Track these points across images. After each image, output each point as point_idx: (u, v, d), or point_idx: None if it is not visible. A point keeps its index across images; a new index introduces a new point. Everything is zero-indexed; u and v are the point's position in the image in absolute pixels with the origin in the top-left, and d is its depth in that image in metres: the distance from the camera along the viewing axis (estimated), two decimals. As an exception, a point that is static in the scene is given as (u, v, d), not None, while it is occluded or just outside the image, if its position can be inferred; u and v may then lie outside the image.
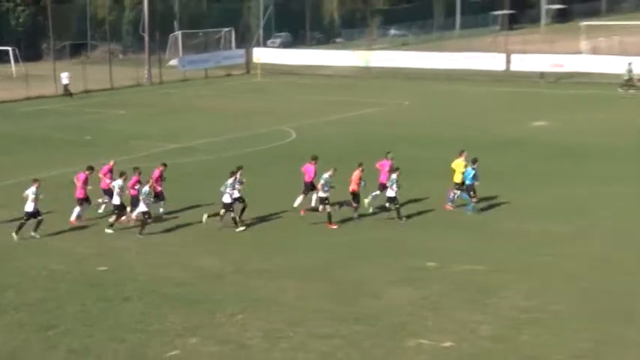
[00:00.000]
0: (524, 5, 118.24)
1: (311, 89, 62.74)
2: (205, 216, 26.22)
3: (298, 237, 25.42)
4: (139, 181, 26.20)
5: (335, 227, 26.08)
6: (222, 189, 25.73)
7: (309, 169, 27.77)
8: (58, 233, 25.97)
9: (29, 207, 25.26)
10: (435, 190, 28.89)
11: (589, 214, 27.09)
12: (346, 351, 17.11)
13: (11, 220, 26.32)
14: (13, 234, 25.26)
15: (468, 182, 27.18)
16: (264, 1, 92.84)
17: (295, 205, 27.59)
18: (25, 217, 25.41)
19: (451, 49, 77.12)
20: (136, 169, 26.82)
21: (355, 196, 26.79)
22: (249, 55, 78.23)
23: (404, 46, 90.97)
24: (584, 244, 24.11)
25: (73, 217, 26.83)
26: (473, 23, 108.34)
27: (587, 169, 33.22)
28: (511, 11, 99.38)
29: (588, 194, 29.38)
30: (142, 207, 25.48)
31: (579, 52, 70.68)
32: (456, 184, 27.75)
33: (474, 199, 27.21)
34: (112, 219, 26.14)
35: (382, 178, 27.39)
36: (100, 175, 27.58)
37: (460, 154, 28.06)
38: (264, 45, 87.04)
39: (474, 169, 27.12)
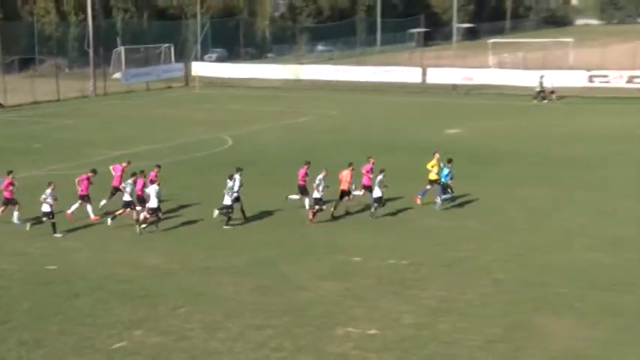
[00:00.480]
0: (437, 24, 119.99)
1: (246, 100, 62.44)
2: (216, 211, 25.84)
3: (238, 236, 25.16)
4: (148, 182, 25.93)
5: (312, 226, 25.73)
6: (224, 191, 25.44)
7: (301, 173, 27.42)
8: (13, 234, 25.29)
9: (45, 208, 24.85)
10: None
11: (502, 212, 27.40)
12: (279, 340, 16.98)
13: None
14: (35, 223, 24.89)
15: (443, 180, 27.55)
16: (202, 19, 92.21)
17: (291, 197, 27.44)
18: (42, 217, 25.07)
19: (373, 64, 77.75)
20: (142, 172, 26.57)
21: (345, 193, 26.82)
22: (187, 69, 77.54)
23: (330, 60, 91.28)
24: (498, 239, 24.36)
25: (69, 210, 26.33)
26: (392, 40, 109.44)
27: (498, 172, 33.67)
28: (426, 29, 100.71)
29: (500, 195, 29.75)
30: (152, 203, 25.10)
31: (487, 66, 71.84)
32: (431, 181, 28.16)
33: (450, 194, 27.54)
34: (118, 212, 25.85)
35: (365, 181, 27.30)
36: (117, 174, 27.57)
37: (434, 155, 28.45)
38: (202, 59, 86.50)
39: (448, 168, 27.51)
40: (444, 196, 27.63)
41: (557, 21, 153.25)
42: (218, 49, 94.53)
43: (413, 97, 61.57)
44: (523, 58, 74.32)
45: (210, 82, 72.98)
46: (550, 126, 46.05)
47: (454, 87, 64.34)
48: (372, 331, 17.41)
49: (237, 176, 25.81)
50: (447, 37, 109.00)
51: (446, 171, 27.54)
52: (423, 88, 66.16)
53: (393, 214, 27.25)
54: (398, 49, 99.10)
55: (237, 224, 26.04)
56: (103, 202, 27.66)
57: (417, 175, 30.61)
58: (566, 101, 56.27)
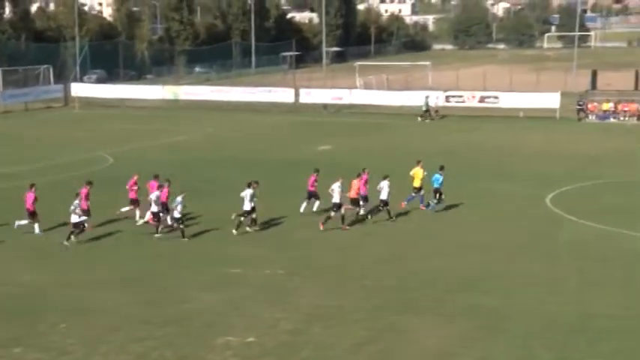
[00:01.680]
0: (308, 48, 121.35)
1: (126, 119, 61.01)
2: (235, 214, 26.13)
3: (120, 249, 24.54)
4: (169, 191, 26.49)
5: (347, 229, 26.42)
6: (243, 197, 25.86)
7: (310, 179, 28.16)
8: None
9: (74, 218, 24.78)
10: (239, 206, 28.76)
11: (368, 223, 27.79)
12: (160, 351, 16.63)
13: None
14: (65, 242, 24.62)
15: (436, 186, 28.24)
16: (80, 41, 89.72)
17: (301, 210, 28.08)
18: (72, 227, 24.89)
19: (248, 84, 77.69)
20: (167, 180, 27.07)
21: (354, 201, 27.22)
22: (67, 90, 75.01)
23: (207, 81, 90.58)
24: (365, 248, 24.77)
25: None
26: (266, 63, 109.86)
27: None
28: (297, 53, 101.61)
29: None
30: (175, 214, 25.42)
31: (355, 87, 73.11)
32: (415, 188, 28.66)
33: (442, 200, 28.42)
34: (157, 226, 26.02)
35: (363, 190, 27.68)
36: (127, 187, 27.81)
37: (418, 163, 28.97)
38: (81, 80, 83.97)
39: (441, 175, 28.24)
40: (434, 202, 28.55)
41: (417, 46, 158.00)
42: (97, 71, 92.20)
43: (287, 116, 61.90)
44: (387, 79, 76.09)
45: (89, 103, 70.96)
46: (413, 142, 47.24)
47: (325, 106, 65.13)
48: (251, 339, 17.31)
49: (249, 190, 25.96)
50: (317, 60, 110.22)
51: (439, 178, 28.27)
52: (296, 108, 66.62)
53: (270, 226, 27.23)
54: (272, 71, 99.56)
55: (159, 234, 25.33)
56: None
57: (291, 189, 30.77)
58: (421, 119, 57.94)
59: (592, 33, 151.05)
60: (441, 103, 62.00)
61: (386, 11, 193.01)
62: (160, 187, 26.50)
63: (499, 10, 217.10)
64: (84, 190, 26.38)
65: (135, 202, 27.86)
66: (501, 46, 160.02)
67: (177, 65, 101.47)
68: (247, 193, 25.97)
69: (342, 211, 26.70)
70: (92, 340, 17.15)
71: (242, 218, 26.13)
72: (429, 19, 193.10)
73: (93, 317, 18.57)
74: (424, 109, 57.79)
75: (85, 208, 25.78)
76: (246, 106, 67.67)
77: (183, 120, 60.30)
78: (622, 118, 54.61)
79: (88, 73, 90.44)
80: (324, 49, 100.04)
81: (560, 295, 19.96)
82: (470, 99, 61.86)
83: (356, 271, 22.28)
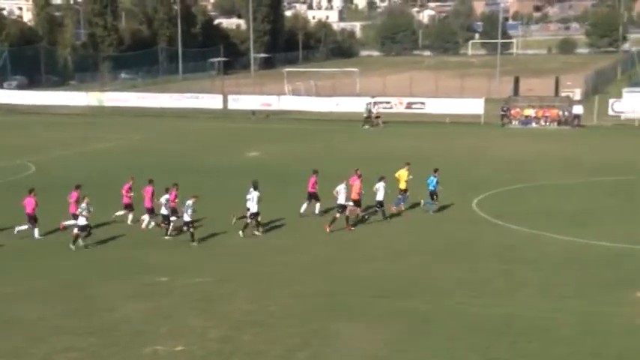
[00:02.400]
0: (236, 54, 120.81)
1: (50, 127, 59.61)
2: (235, 218, 26.92)
3: (41, 260, 23.94)
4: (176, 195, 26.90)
5: (353, 229, 27.10)
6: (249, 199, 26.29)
7: (311, 181, 28.86)
8: None
9: (82, 221, 24.88)
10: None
11: (299, 229, 27.88)
12: (88, 362, 16.31)
13: None
14: (71, 245, 24.84)
15: (431, 188, 29.08)
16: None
17: (301, 211, 28.72)
18: (79, 230, 25.05)
19: (176, 91, 76.94)
20: (175, 184, 27.30)
21: (356, 202, 27.76)
22: (-14, 97, 72.93)
23: (134, 87, 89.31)
24: (296, 254, 24.80)
25: (66, 223, 26.96)
26: (194, 69, 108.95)
27: (296, 190, 34.08)
28: (225, 59, 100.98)
29: (297, 212, 30.13)
30: (185, 217, 25.57)
31: (284, 94, 73.21)
32: (401, 190, 29.32)
33: (436, 202, 29.29)
34: (167, 229, 26.44)
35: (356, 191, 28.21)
36: (123, 192, 28.00)
37: (405, 166, 29.72)
38: (1, 87, 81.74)
39: (435, 177, 29.05)
40: (427, 201, 29.45)
41: (344, 52, 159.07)
42: (18, 77, 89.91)
43: (215, 123, 61.51)
44: (315, 85, 76.44)
45: (10, 110, 69.13)
46: (342, 147, 47.55)
47: (253, 112, 65.01)
48: (179, 348, 17.12)
49: (256, 192, 26.26)
50: (246, 66, 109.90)
51: (434, 180, 29.09)
52: (225, 114, 66.30)
53: (199, 233, 26.98)
54: (200, 77, 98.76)
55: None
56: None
57: (219, 196, 30.56)
58: (356, 125, 58.36)
59: (514, 40, 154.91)
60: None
61: (313, 18, 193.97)
62: (167, 190, 26.85)
63: (424, 17, 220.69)
64: (74, 194, 26.53)
65: (128, 207, 28.11)
66: (427, 52, 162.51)
67: (101, 71, 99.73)
68: (254, 195, 26.19)
69: (347, 212, 27.29)
70: (13, 353, 16.69)
71: (249, 220, 26.49)
72: (356, 26, 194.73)
73: (14, 329, 18.09)
74: (365, 115, 58.28)
75: (75, 212, 26.10)
76: (173, 112, 66.99)
77: (109, 127, 59.31)
78: (543, 124, 56.14)
79: (8, 80, 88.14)
80: (252, 55, 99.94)
81: (485, 298, 20.37)
82: (397, 105, 62.68)
83: (287, 277, 22.29)
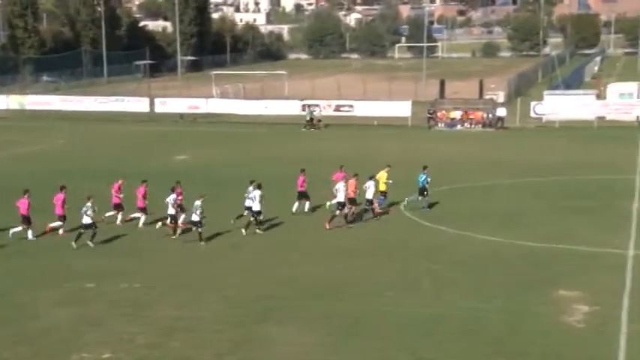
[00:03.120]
0: (162, 56, 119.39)
1: (-33, 131, 57.72)
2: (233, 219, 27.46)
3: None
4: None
5: (352, 226, 27.84)
6: (249, 198, 27.04)
7: (299, 180, 29.41)
8: None
9: (86, 220, 25.16)
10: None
11: (232, 234, 27.68)
12: (11, 373, 15.86)
13: None
14: (72, 243, 25.13)
15: (421, 185, 30.00)
16: None
17: (293, 210, 29.39)
18: (82, 229, 25.39)
19: (101, 94, 75.56)
20: (178, 182, 27.76)
21: (352, 201, 28.26)
22: None
23: (56, 90, 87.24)
24: (230, 258, 24.65)
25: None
26: (119, 71, 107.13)
27: (227, 195, 33.78)
28: (151, 61, 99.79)
29: (228, 216, 29.92)
30: (194, 217, 25.73)
31: (212, 96, 72.69)
32: (381, 191, 29.76)
33: (428, 198, 30.22)
34: (174, 229, 26.68)
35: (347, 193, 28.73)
36: (112, 192, 28.32)
37: (386, 168, 30.50)
38: None
39: (425, 174, 30.04)
40: (410, 198, 30.35)
41: (272, 55, 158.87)
42: None
43: (142, 126, 60.61)
44: (243, 88, 76.18)
45: None
46: (271, 150, 47.47)
47: (181, 116, 64.35)
48: (106, 355, 16.83)
49: (258, 191, 26.86)
50: (173, 69, 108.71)
51: (423, 177, 29.95)
52: (152, 117, 65.41)
53: (127, 237, 26.56)
54: (125, 80, 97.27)
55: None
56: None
57: (150, 200, 30.06)
58: (285, 128, 58.38)
59: (439, 44, 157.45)
60: (298, 111, 62.77)
61: (241, 20, 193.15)
62: (173, 189, 27.10)
63: (351, 20, 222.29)
64: (60, 196, 26.69)
65: (118, 207, 28.40)
66: (355, 55, 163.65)
67: (22, 74, 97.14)
68: (256, 194, 26.77)
69: (346, 209, 27.89)
70: None
71: (251, 218, 27.05)
72: (284, 29, 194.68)
73: None
74: (308, 118, 58.33)
75: (61, 213, 26.53)
76: (98, 115, 65.77)
77: (32, 131, 57.85)
78: (468, 126, 57.22)
79: None
80: (179, 57, 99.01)
81: (414, 298, 20.64)
82: (325, 108, 62.91)
83: (217, 281, 22.13)
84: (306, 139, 53.29)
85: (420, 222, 28.98)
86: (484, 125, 56.91)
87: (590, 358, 16.79)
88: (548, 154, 44.44)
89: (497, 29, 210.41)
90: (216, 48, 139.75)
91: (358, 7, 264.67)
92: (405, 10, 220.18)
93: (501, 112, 57.35)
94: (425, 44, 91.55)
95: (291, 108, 64.25)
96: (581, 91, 67.33)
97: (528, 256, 24.41)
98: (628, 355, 16.76)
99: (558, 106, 57.49)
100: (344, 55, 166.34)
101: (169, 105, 68.11)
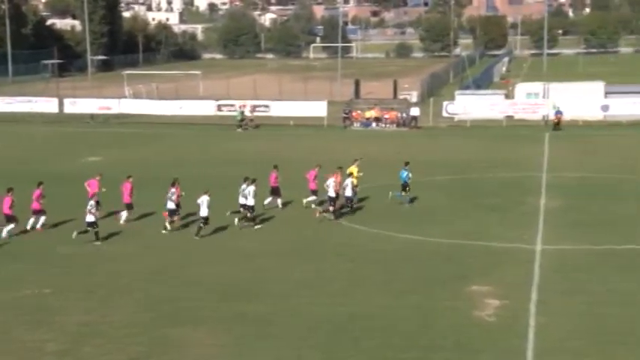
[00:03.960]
0: (72, 56, 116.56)
1: None
2: (236, 220, 27.93)
3: None
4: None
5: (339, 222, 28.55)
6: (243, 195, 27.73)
7: (271, 176, 30.11)
8: None
9: (89, 218, 25.47)
10: None
11: (141, 234, 27.22)
12: None
13: None
14: (75, 232, 25.70)
15: (403, 181, 30.78)
16: None
17: (265, 203, 29.87)
18: (87, 227, 25.65)
19: (6, 94, 73.17)
20: (175, 179, 28.15)
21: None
22: None
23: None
24: (136, 261, 24.22)
25: (38, 226, 27.28)
26: (25, 71, 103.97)
27: (141, 196, 33.00)
28: (60, 61, 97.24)
29: (143, 220, 29.44)
30: (202, 213, 26.32)
31: (124, 97, 71.39)
32: (353, 186, 30.04)
33: (408, 194, 31.04)
34: (167, 221, 27.20)
35: (311, 185, 30.35)
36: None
37: (354, 162, 31.41)
38: None
39: (406, 170, 30.87)
40: (396, 193, 31.02)
41: (186, 55, 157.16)
42: None
43: (51, 127, 59.02)
44: (157, 88, 75.08)
45: None
46: (187, 151, 46.93)
47: (92, 116, 62.96)
48: (13, 364, 16.27)
49: (252, 187, 27.63)
50: (82, 69, 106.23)
51: (405, 172, 30.75)
52: (61, 118, 63.77)
53: (32, 242, 25.78)
54: (32, 80, 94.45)
55: None
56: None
57: (56, 204, 29.28)
58: (200, 128, 57.81)
59: (354, 44, 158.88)
60: (214, 112, 62.33)
61: (153, 19, 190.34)
62: (173, 184, 27.64)
63: (266, 20, 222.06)
64: (37, 192, 27.00)
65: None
66: (270, 55, 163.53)
67: None
68: (250, 190, 27.55)
69: (337, 205, 28.80)
70: None
71: (249, 214, 27.68)
72: (198, 28, 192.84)
73: None
74: (239, 118, 57.89)
75: (38, 208, 26.88)
76: (4, 117, 63.66)
77: None
78: (383, 125, 57.94)
79: None
80: (89, 57, 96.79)
81: (329, 297, 20.74)
82: (241, 108, 62.53)
83: (128, 284, 21.74)
84: (222, 139, 52.91)
85: (335, 220, 29.13)
86: (398, 124, 57.71)
87: (500, 351, 17.21)
88: (459, 153, 45.40)
89: (409, 30, 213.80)
90: (127, 47, 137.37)
91: (273, 7, 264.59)
92: (320, 11, 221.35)
93: (415, 111, 58.27)
94: (340, 44, 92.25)
95: (206, 108, 63.72)
96: (490, 91, 69.15)
97: (441, 253, 24.87)
98: (536, 347, 17.26)
99: (469, 106, 58.83)
100: (259, 55, 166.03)
101: (79, 105, 66.60)
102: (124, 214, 28.67)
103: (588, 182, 36.10)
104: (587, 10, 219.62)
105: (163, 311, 19.56)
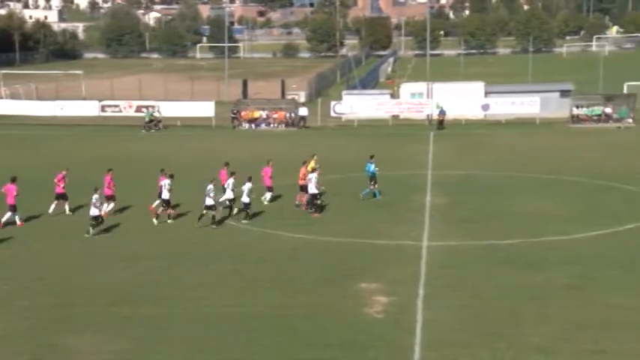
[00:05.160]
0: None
1: None
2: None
3: None
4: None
5: (319, 216, 29.44)
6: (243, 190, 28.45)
7: (221, 173, 30.65)
8: None
9: (94, 212, 26.00)
10: None
11: (33, 240, 26.32)
12: None
13: None
14: (87, 234, 26.28)
15: (370, 174, 31.94)
16: None
17: (220, 200, 29.64)
18: (91, 220, 26.30)
19: None
20: (162, 170, 29.53)
21: (303, 189, 30.38)
22: None
23: None
24: (21, 265, 23.45)
25: (18, 221, 28.06)
26: None
27: (26, 200, 31.90)
28: None
29: (36, 223, 28.47)
30: (208, 201, 27.42)
31: (1, 97, 68.60)
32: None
33: (377, 186, 32.13)
34: (159, 211, 28.23)
35: (267, 182, 31.48)
36: (55, 181, 29.36)
37: (312, 157, 32.19)
38: None
39: (372, 163, 31.88)
40: (364, 192, 32.03)
41: (67, 54, 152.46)
42: None
43: None
44: (36, 89, 72.53)
45: None
46: (71, 153, 45.61)
47: (-35, 118, 60.22)
48: None
49: (249, 184, 28.54)
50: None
51: (371, 166, 31.73)
52: None
53: None
54: None
55: None
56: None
57: None
58: (83, 129, 56.28)
59: (240, 44, 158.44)
60: (97, 112, 60.81)
61: (30, 17, 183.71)
62: (172, 176, 28.82)
63: (150, 19, 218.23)
64: (8, 187, 27.94)
65: (62, 197, 29.48)
66: (155, 55, 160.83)
67: None
68: (246, 187, 28.37)
69: (319, 201, 29.75)
70: None
71: (248, 211, 28.63)
72: (79, 27, 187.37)
73: None
74: (146, 119, 56.46)
75: (12, 203, 27.76)
76: None
77: None
78: (272, 126, 58.11)
79: None
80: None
81: (221, 299, 20.71)
82: (126, 108, 61.34)
83: (10, 292, 20.96)
84: (108, 140, 51.70)
85: (225, 222, 29.02)
86: (287, 125, 58.03)
87: (388, 346, 17.62)
88: (347, 152, 46.07)
89: (296, 30, 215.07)
90: (3, 46, 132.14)
91: (157, 6, 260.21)
92: (205, 10, 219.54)
93: (303, 111, 58.74)
94: (226, 44, 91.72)
95: (89, 109, 62.05)
96: (376, 91, 70.53)
97: (330, 252, 25.22)
98: (423, 341, 17.78)
99: (356, 106, 59.79)
100: (144, 54, 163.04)
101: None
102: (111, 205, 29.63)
103: (471, 179, 37.42)
104: (467, 12, 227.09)
105: (50, 318, 19.04)
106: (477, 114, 59.34)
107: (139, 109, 60.92)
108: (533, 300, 20.28)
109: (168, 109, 61.13)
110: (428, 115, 58.84)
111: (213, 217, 27.98)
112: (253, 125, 58.00)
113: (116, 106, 61.90)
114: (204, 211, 28.04)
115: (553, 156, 43.73)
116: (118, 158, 42.80)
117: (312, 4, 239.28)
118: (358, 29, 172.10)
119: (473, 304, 20.09)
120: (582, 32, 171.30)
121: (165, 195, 28.41)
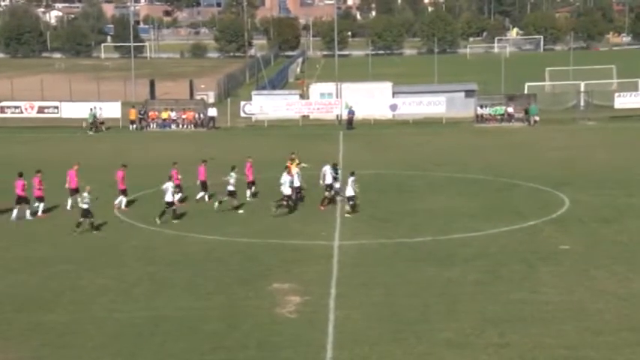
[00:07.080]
0: None
1: None
2: (216, 203, 30.20)
3: None
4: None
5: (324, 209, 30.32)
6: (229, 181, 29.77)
7: (200, 170, 31.61)
8: None
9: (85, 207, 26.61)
10: None
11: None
12: None
13: None
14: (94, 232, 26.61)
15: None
16: None
17: (197, 198, 31.64)
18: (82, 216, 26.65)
19: None
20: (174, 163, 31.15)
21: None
22: None
23: None
24: None
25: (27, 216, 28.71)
26: None
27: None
28: None
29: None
30: (230, 187, 29.65)
31: None
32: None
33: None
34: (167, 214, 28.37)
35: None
36: (34, 184, 29.60)
37: (291, 155, 33.23)
38: None
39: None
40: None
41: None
42: None
43: None
44: None
45: None
46: None
47: None
48: None
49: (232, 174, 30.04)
50: None
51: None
52: None
53: None
54: None
55: None
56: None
57: None
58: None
59: (147, 44, 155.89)
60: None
61: None
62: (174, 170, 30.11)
63: (52, 18, 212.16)
64: (19, 180, 28.60)
65: (40, 199, 29.62)
66: (57, 55, 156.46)
67: None
68: (232, 176, 29.97)
69: (290, 202, 30.46)
70: None
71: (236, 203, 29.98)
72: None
73: None
74: (90, 120, 54.87)
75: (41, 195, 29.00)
76: None
77: None
78: (181, 126, 57.47)
79: None
80: None
81: (132, 303, 20.37)
82: (27, 109, 59.51)
83: None
84: (7, 142, 50.09)
85: (133, 223, 28.60)
86: (196, 125, 57.54)
87: (301, 346, 17.68)
88: (258, 152, 45.95)
89: (204, 30, 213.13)
90: None
91: (58, 5, 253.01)
92: (110, 9, 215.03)
93: (212, 112, 58.36)
94: (132, 44, 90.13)
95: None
96: (286, 91, 70.73)
97: (243, 252, 25.15)
98: (336, 340, 17.93)
99: (266, 106, 59.78)
100: (46, 54, 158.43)
101: None
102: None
103: (381, 178, 37.97)
104: (374, 13, 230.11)
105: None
106: (386, 114, 60.25)
107: (41, 110, 59.14)
108: (444, 296, 20.76)
109: (73, 110, 59.54)
110: (337, 115, 59.36)
111: (174, 211, 28.83)
112: (157, 125, 57.23)
113: (16, 107, 59.91)
114: (165, 208, 28.69)
115: (460, 154, 44.86)
116: (21, 160, 41.52)
117: (219, 4, 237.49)
118: (266, 29, 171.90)
119: (385, 302, 20.40)
120: (484, 34, 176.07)
121: (169, 197, 28.77)
